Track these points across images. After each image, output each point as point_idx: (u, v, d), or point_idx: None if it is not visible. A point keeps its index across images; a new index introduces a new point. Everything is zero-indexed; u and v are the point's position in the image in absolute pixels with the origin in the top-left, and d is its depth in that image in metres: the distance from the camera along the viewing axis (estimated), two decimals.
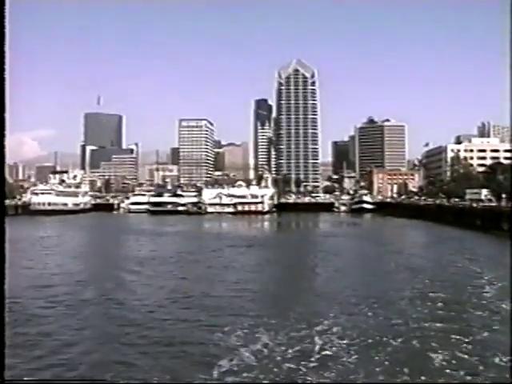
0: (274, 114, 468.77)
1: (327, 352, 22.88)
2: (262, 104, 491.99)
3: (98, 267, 53.90)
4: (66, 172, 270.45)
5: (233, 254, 65.01)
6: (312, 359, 21.89)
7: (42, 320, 29.52)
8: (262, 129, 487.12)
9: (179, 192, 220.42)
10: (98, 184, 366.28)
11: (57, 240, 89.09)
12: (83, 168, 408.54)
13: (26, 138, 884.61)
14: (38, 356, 22.71)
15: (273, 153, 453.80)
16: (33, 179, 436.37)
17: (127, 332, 26.70)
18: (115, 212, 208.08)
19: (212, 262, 56.83)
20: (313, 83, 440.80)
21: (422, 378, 20.36)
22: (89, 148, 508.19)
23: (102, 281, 44.48)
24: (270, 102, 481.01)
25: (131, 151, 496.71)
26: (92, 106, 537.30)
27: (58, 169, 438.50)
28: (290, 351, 22.82)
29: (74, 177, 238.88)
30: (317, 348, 23.38)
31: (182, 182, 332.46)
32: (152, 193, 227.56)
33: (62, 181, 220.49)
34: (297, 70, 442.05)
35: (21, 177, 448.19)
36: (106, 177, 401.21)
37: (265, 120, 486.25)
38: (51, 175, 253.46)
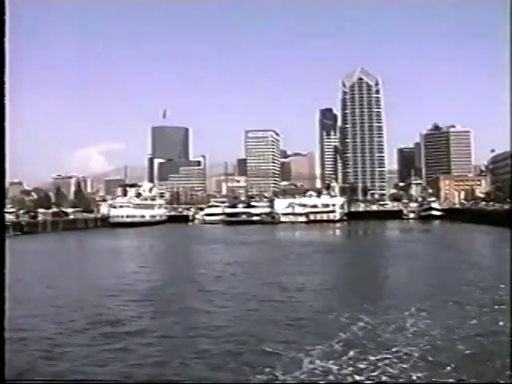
0: (339, 123, 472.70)
1: (417, 328, 28.63)
2: (326, 113, 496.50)
3: (204, 270, 59.91)
4: (136, 185, 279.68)
5: (315, 258, 70.82)
6: (406, 332, 27.63)
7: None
8: (328, 138, 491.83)
9: (253, 203, 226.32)
10: (167, 196, 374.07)
11: (150, 249, 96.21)
12: (151, 181, 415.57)
13: (93, 152, 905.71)
14: None
15: (339, 162, 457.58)
16: (101, 193, 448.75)
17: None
18: (190, 223, 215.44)
19: (298, 266, 61.95)
20: (377, 91, 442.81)
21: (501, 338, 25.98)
22: (157, 161, 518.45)
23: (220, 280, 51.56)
24: (334, 112, 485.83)
25: (198, 163, 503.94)
26: (158, 120, 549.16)
27: (127, 182, 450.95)
28: (388, 328, 28.48)
29: (150, 190, 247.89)
30: (408, 325, 29.14)
31: (249, 192, 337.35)
32: (226, 204, 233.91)
33: (139, 194, 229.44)
34: (361, 79, 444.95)
35: (89, 190, 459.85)
36: (175, 189, 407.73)
37: (330, 129, 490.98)
38: (128, 189, 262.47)
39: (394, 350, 24.23)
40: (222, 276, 54.17)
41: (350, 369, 21.97)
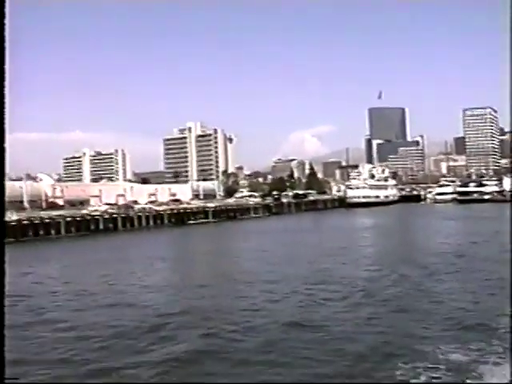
0: None
1: None
2: None
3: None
4: (356, 167, 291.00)
5: None
6: None
7: None
8: None
9: (484, 181, 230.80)
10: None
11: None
12: (370, 162, 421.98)
13: (307, 135, 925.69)
14: None
15: None
16: (319, 175, 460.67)
17: None
18: (422, 202, 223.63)
19: None
20: None
21: None
22: (375, 142, 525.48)
23: None
24: None
25: (417, 143, 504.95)
26: (373, 101, 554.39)
27: (344, 164, 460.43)
28: None
29: (383, 171, 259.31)
30: None
31: (470, 171, 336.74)
32: (457, 183, 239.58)
33: (372, 175, 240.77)
34: None
35: (308, 173, 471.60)
36: (394, 170, 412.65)
37: None
38: (352, 171, 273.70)
39: None
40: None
41: None
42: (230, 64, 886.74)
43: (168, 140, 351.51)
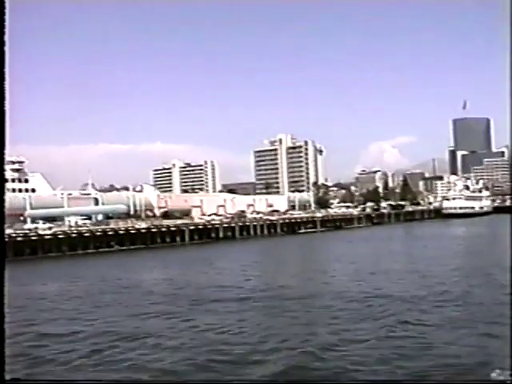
0: None
1: None
2: None
3: None
4: (441, 178, 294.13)
5: None
6: None
7: None
8: None
9: None
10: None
11: None
12: (454, 173, 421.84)
13: (386, 145, 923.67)
14: None
15: None
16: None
17: None
18: None
19: None
20: None
21: None
22: (459, 153, 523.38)
23: None
24: None
25: (502, 154, 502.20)
26: (454, 112, 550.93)
27: (427, 175, 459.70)
28: None
29: (477, 182, 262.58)
30: None
31: None
32: None
33: (467, 187, 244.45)
34: None
35: (390, 184, 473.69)
36: (479, 181, 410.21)
37: None
38: (448, 183, 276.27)
39: None
40: None
41: None
42: (301, 72, 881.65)
43: (258, 152, 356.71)
